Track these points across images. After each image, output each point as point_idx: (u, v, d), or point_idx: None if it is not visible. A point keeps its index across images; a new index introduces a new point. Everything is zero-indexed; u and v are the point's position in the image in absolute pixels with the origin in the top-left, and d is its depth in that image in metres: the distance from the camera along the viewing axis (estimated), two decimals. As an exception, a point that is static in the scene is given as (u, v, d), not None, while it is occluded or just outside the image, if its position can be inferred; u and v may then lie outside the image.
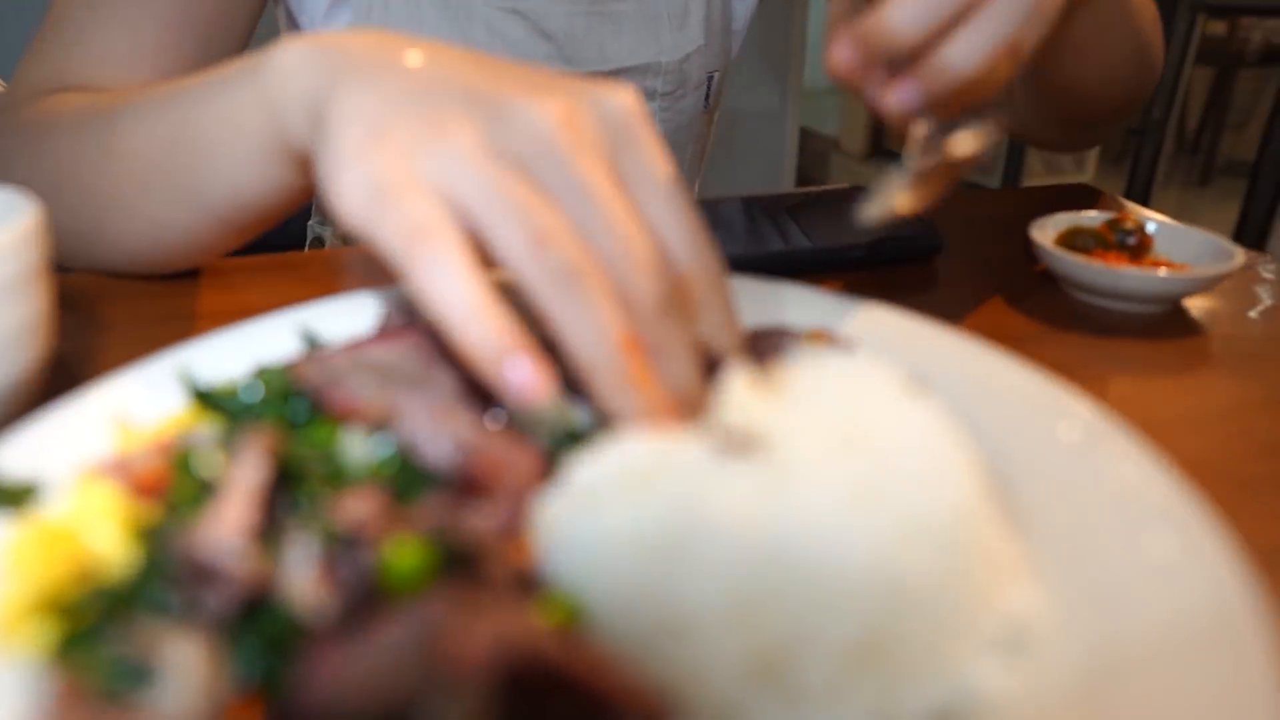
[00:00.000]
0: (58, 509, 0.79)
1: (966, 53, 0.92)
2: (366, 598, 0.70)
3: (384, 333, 1.00)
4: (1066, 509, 0.79)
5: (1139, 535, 0.73)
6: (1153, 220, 1.64)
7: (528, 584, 0.71)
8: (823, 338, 0.83)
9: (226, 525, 0.72)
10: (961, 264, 1.84)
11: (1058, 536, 0.77)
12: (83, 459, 0.86)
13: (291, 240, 2.48)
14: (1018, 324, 1.54)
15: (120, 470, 0.84)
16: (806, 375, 0.77)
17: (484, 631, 0.58)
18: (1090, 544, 0.76)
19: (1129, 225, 1.59)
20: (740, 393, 0.75)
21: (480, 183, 0.85)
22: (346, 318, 1.13)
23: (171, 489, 0.82)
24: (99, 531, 0.78)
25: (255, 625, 0.68)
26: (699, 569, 0.64)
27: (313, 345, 1.07)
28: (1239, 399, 1.33)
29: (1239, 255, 1.48)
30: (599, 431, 0.85)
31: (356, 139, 0.91)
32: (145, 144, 1.28)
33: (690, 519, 0.66)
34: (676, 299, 0.88)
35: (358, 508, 0.72)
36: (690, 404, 0.85)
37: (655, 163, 0.93)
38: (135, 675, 0.63)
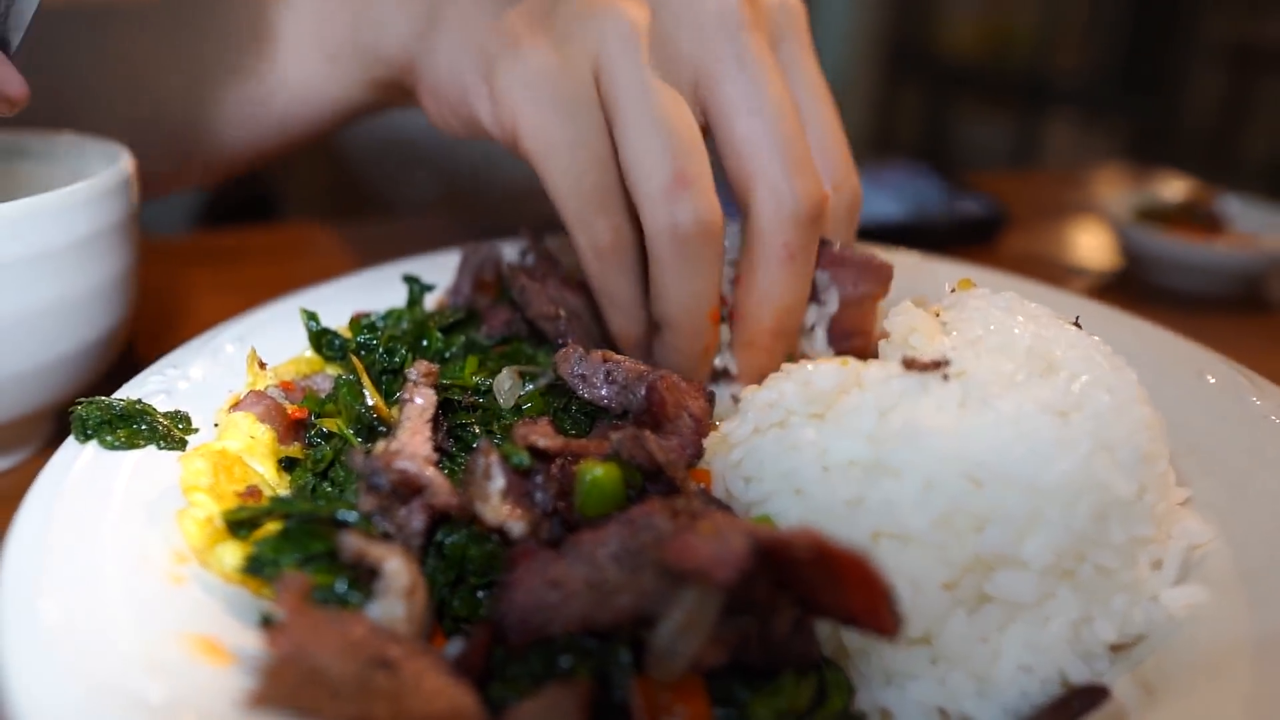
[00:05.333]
0: (216, 439, 0.79)
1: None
2: (559, 516, 0.70)
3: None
4: (1222, 448, 0.81)
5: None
6: (1228, 197, 1.66)
7: (716, 503, 0.71)
8: (970, 284, 0.85)
9: (416, 445, 0.72)
10: (1024, 240, 1.81)
11: (1220, 472, 0.79)
12: (220, 394, 0.86)
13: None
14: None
15: (260, 404, 0.83)
16: (971, 311, 0.78)
17: (713, 534, 0.59)
18: (1248, 479, 0.77)
19: (1206, 201, 1.62)
20: (910, 323, 0.76)
21: (629, 78, 0.82)
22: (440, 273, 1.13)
23: (320, 422, 0.82)
24: (257, 456, 0.78)
25: (454, 542, 0.68)
26: (910, 480, 0.65)
27: (421, 291, 1.07)
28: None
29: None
30: None
31: (520, 26, 0.87)
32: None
33: (893, 433, 0.66)
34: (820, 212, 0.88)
35: (541, 434, 0.72)
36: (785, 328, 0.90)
37: (811, 59, 0.95)
38: (359, 585, 0.63)
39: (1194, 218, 1.63)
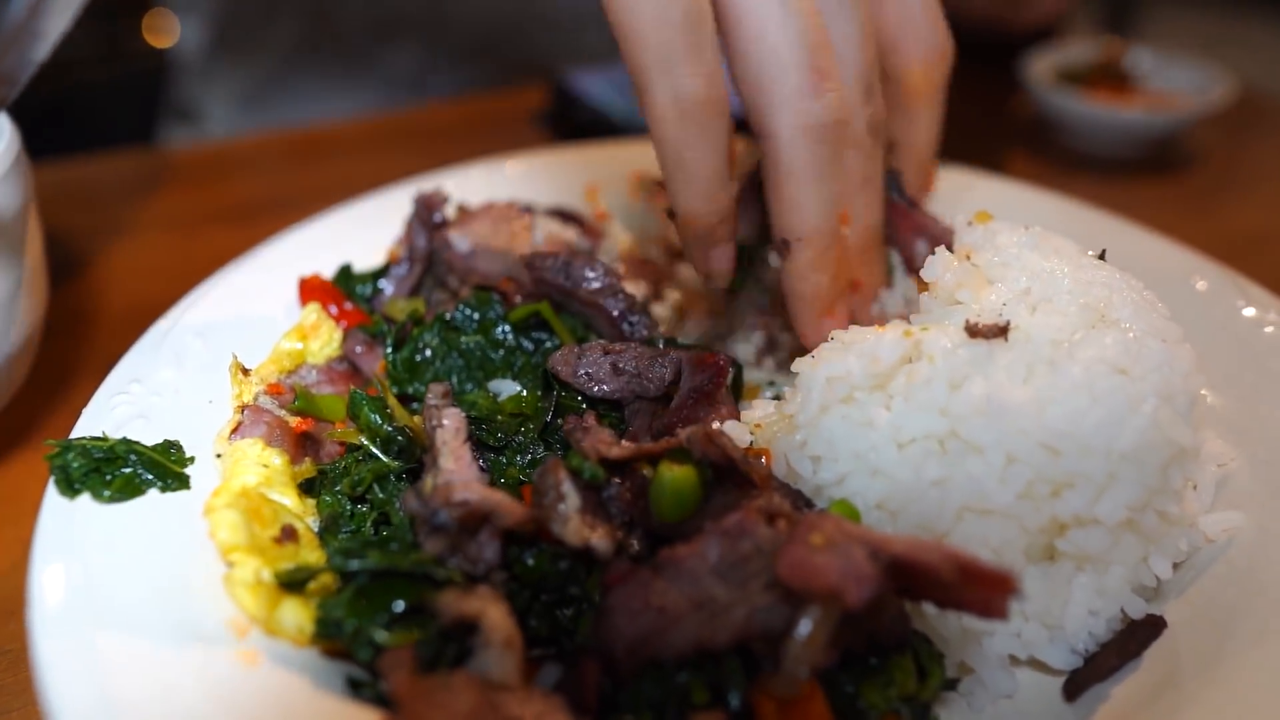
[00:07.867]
0: (224, 473, 0.71)
1: None
2: (639, 526, 0.67)
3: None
4: (1225, 362, 0.84)
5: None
6: (1140, 51, 1.68)
7: (792, 493, 0.69)
8: (988, 216, 0.83)
9: (465, 471, 0.66)
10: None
11: (1228, 389, 0.82)
12: (199, 406, 0.77)
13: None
14: (1014, 168, 1.57)
15: (260, 423, 0.75)
16: (1005, 254, 0.77)
17: (830, 547, 0.57)
18: (1257, 395, 0.82)
19: (1118, 57, 1.64)
20: (956, 278, 0.74)
21: None
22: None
23: (333, 435, 0.76)
24: (275, 487, 0.71)
25: (535, 569, 0.64)
26: (994, 456, 0.64)
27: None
28: (1247, 230, 1.42)
29: (1232, 83, 1.55)
30: None
31: None
32: None
33: (970, 408, 0.65)
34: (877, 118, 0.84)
35: (607, 441, 0.68)
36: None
37: None
38: (460, 643, 0.59)
39: (1108, 76, 1.65)
